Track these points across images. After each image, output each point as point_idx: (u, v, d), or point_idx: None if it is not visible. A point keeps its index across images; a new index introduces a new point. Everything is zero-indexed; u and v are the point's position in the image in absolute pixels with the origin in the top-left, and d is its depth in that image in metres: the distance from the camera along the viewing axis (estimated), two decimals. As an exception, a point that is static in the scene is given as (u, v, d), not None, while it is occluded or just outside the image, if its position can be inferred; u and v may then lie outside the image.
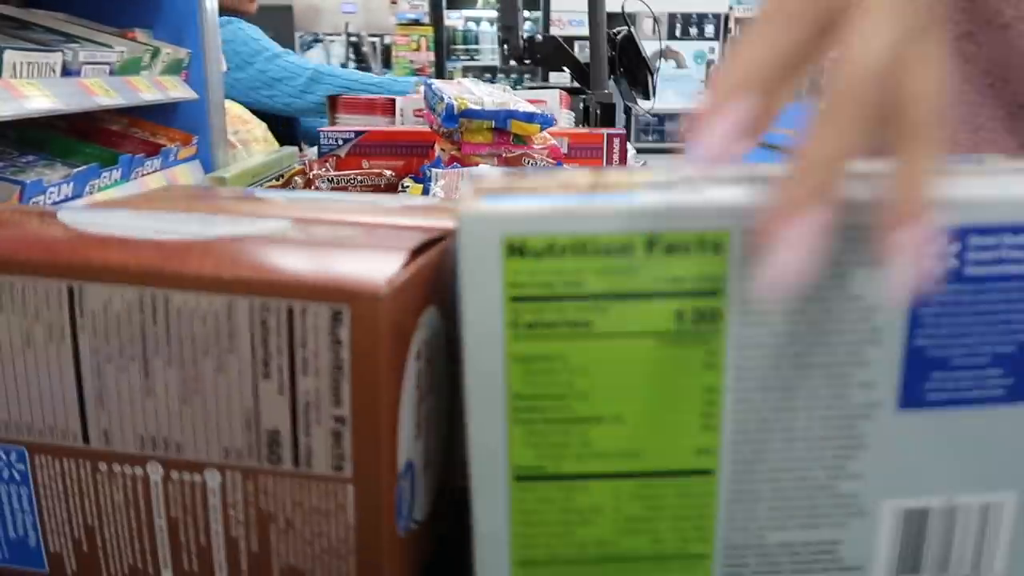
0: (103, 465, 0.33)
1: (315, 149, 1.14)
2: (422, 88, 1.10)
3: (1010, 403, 0.32)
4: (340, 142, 1.04)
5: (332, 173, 1.04)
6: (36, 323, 0.32)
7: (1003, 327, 0.31)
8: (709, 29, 6.71)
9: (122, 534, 0.34)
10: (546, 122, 1.02)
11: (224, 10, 1.87)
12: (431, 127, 1.10)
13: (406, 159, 1.07)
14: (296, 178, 1.09)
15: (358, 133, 1.04)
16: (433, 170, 0.92)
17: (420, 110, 1.18)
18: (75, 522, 0.34)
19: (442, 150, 1.03)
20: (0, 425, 0.33)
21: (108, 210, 0.39)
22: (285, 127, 1.95)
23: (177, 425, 0.32)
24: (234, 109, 1.82)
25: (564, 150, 1.06)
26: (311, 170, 1.05)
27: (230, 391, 0.31)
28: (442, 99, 1.08)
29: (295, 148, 1.75)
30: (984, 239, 0.30)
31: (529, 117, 1.01)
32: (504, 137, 1.05)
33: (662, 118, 6.43)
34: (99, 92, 1.31)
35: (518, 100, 1.11)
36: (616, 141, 1.09)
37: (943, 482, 0.33)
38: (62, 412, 0.32)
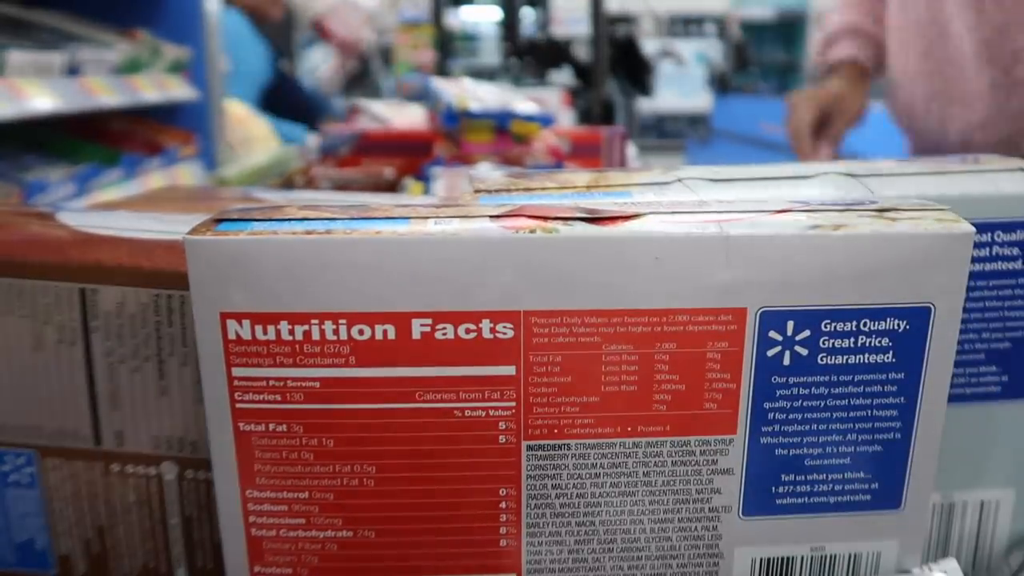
0: (115, 466, 0.33)
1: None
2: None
3: (1006, 400, 0.32)
4: (341, 142, 1.05)
5: (333, 172, 1.05)
6: (47, 326, 0.32)
7: (998, 324, 0.31)
8: (709, 29, 6.72)
9: (134, 534, 0.34)
10: (546, 121, 1.03)
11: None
12: (432, 126, 1.11)
13: (407, 158, 1.08)
14: (296, 177, 1.10)
15: (359, 132, 1.05)
16: (434, 169, 0.93)
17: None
18: (85, 524, 0.34)
19: (443, 149, 1.04)
20: (8, 430, 0.34)
21: (109, 211, 0.40)
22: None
23: (192, 424, 0.32)
24: (234, 109, 1.83)
25: (565, 149, 1.06)
26: (312, 169, 1.05)
27: (240, 391, 0.31)
28: (442, 99, 1.08)
29: (295, 147, 1.75)
30: (977, 237, 0.30)
31: (529, 116, 1.02)
32: (505, 136, 1.06)
33: (663, 117, 6.43)
34: (101, 92, 1.31)
35: (519, 99, 1.11)
36: (616, 140, 1.09)
37: (940, 479, 0.33)
38: (73, 414, 0.33)
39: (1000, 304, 0.31)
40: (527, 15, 4.19)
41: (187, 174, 1.62)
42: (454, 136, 1.07)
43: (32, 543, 0.35)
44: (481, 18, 5.90)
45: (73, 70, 1.26)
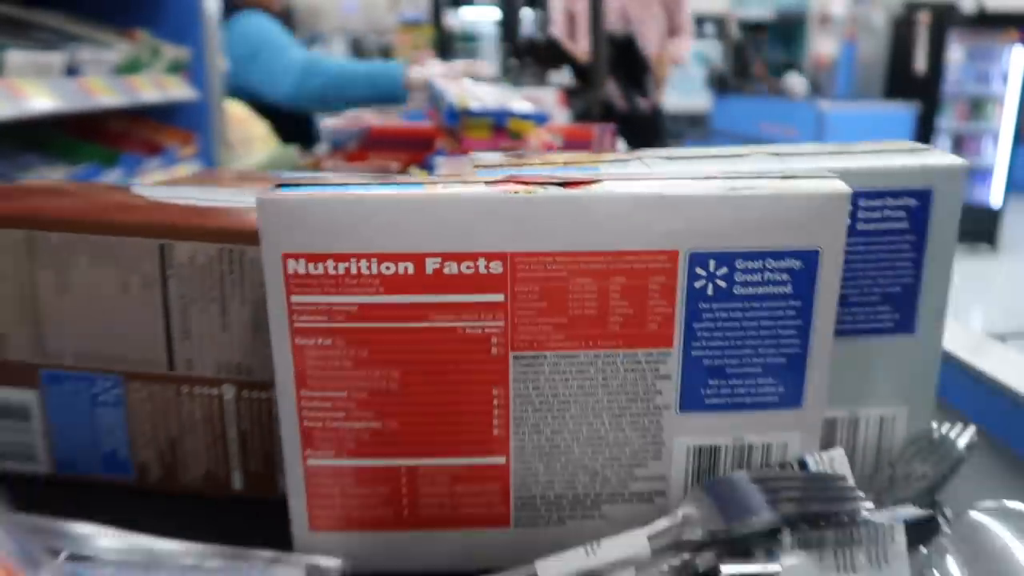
0: (185, 388, 0.42)
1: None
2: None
3: (897, 334, 0.41)
4: (348, 137, 1.14)
5: (341, 166, 1.14)
6: (132, 274, 0.41)
7: (889, 272, 0.40)
8: (709, 29, 6.82)
9: (199, 445, 0.43)
10: (541, 119, 1.12)
11: (248, 4, 1.94)
12: (434, 123, 1.20)
13: (411, 153, 1.16)
14: (307, 171, 1.19)
15: (366, 128, 1.13)
16: (437, 158, 1.02)
17: None
18: (160, 436, 0.43)
19: (444, 145, 1.13)
20: (100, 358, 0.43)
21: (173, 186, 0.49)
22: (299, 126, 1.99)
23: (248, 353, 0.41)
24: (234, 109, 1.85)
25: (558, 145, 1.15)
26: (321, 163, 1.14)
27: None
28: (444, 98, 1.17)
29: (295, 147, 1.80)
30: (871, 202, 0.39)
31: (525, 115, 1.11)
32: (502, 133, 1.14)
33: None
34: (100, 92, 1.34)
35: (516, 99, 1.20)
36: (606, 135, 1.18)
37: (847, 398, 0.42)
38: (152, 345, 0.42)
39: (891, 256, 0.40)
40: (526, 16, 4.27)
41: (187, 174, 1.66)
42: (455, 133, 1.16)
43: (115, 453, 0.44)
44: (481, 19, 5.99)
45: (73, 70, 1.28)
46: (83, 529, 0.34)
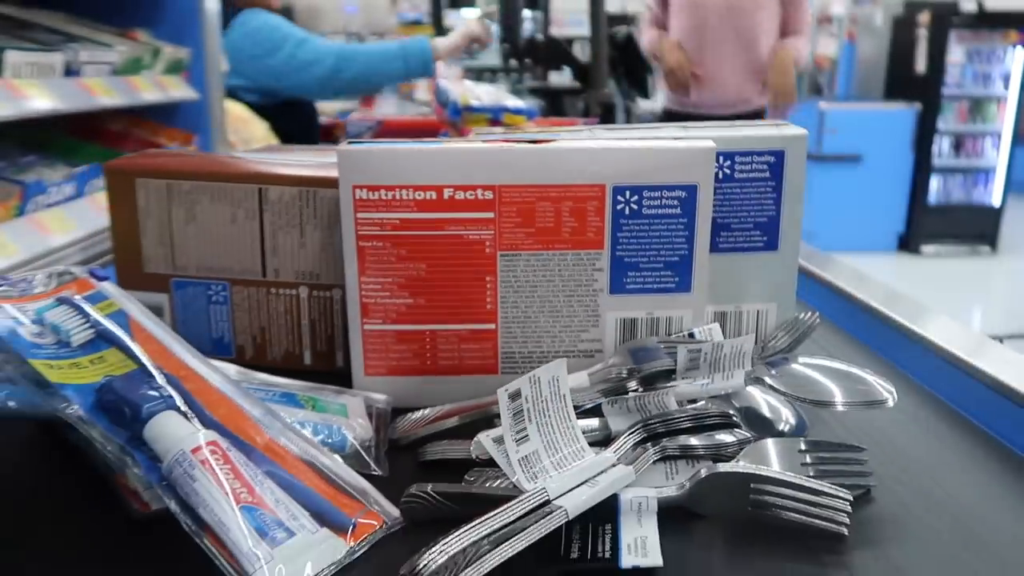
0: (273, 290, 0.63)
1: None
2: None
3: (766, 251, 0.62)
4: (365, 129, 1.35)
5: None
6: (238, 209, 0.62)
7: (758, 207, 0.61)
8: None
9: (281, 331, 0.64)
10: (531, 114, 1.34)
11: (247, 4, 2.05)
12: (439, 118, 1.42)
13: (418, 144, 1.38)
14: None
15: (380, 120, 1.35)
16: (442, 136, 1.23)
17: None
18: (254, 325, 0.64)
19: (447, 135, 1.35)
20: (214, 269, 0.63)
21: (254, 153, 0.70)
22: (299, 126, 2.14)
23: (318, 264, 0.62)
24: (234, 109, 1.93)
25: (548, 136, 1.37)
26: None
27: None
28: (448, 97, 1.39)
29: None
30: (743, 158, 0.60)
31: (518, 110, 1.33)
32: (498, 126, 1.36)
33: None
34: (100, 92, 1.37)
35: (509, 97, 1.42)
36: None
37: (733, 297, 0.63)
38: (250, 259, 0.63)
39: (759, 195, 0.61)
40: (526, 16, 4.44)
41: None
42: (457, 126, 1.37)
43: (222, 338, 0.65)
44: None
45: (72, 71, 1.31)
46: (219, 364, 0.55)
